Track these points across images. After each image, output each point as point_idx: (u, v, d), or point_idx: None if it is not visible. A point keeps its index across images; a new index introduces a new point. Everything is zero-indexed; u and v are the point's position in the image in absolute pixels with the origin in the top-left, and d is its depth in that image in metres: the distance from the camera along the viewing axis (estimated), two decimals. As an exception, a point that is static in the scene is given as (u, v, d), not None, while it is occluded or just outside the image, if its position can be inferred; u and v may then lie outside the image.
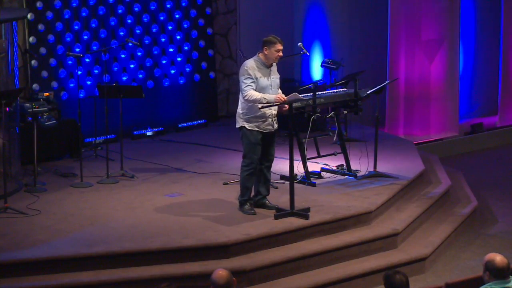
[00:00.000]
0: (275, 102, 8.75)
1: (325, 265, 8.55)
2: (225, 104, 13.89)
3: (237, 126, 8.95)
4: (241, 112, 8.86)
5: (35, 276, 7.84)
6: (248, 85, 8.70)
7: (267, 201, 9.14)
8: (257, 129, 8.82)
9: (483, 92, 15.21)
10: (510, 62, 14.85)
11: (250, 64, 8.79)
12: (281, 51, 8.82)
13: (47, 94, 11.27)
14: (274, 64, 8.93)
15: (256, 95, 8.70)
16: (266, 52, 8.80)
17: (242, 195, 9.06)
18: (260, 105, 8.75)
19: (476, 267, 8.86)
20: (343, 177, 10.28)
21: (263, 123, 8.84)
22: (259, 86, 8.77)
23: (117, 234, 8.45)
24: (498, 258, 6.06)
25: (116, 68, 12.50)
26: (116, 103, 10.54)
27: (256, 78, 8.74)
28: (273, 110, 8.86)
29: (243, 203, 9.04)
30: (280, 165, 10.55)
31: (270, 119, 8.86)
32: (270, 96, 8.76)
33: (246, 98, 8.71)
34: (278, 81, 8.98)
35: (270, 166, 9.12)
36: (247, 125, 8.83)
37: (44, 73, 11.84)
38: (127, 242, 8.23)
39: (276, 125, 8.93)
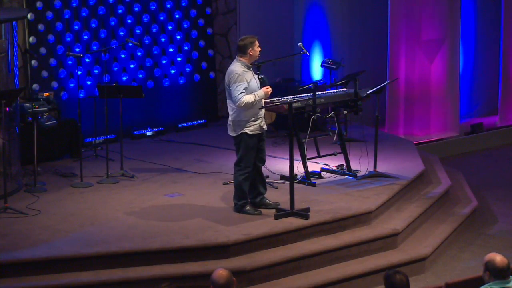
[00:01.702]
0: (266, 96, 8.86)
1: (325, 265, 8.56)
2: (225, 104, 13.82)
3: (233, 134, 8.89)
4: (238, 119, 8.82)
5: (35, 276, 7.84)
6: (241, 92, 8.67)
7: (267, 200, 9.16)
8: (257, 132, 8.84)
9: (483, 92, 15.21)
10: (511, 62, 14.84)
11: (239, 69, 8.76)
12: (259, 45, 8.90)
13: (47, 94, 11.27)
14: None
15: (250, 98, 8.71)
16: (251, 53, 8.79)
17: (239, 199, 9.05)
18: (260, 106, 8.81)
19: (476, 267, 8.85)
20: (343, 177, 10.28)
21: (260, 123, 8.87)
22: (251, 89, 8.78)
23: (117, 234, 8.46)
24: (498, 258, 6.06)
25: (116, 68, 12.50)
26: (116, 103, 10.54)
27: (248, 82, 8.75)
28: (263, 109, 8.92)
29: (243, 206, 9.04)
30: (280, 165, 10.56)
31: (264, 118, 8.93)
32: (260, 92, 8.80)
33: (243, 105, 8.67)
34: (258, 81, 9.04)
35: (263, 165, 9.16)
36: (248, 131, 8.82)
37: (44, 73, 11.84)
38: (127, 242, 8.23)
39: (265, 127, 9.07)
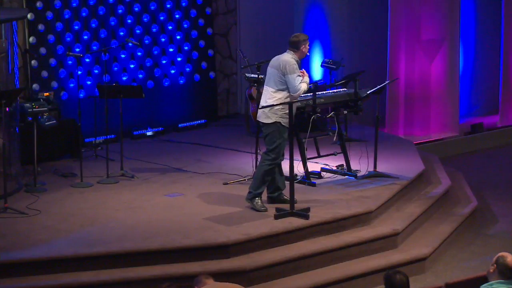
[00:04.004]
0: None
1: (325, 265, 8.56)
2: (225, 104, 13.89)
3: (267, 122, 8.93)
4: (276, 108, 8.86)
5: (35, 276, 7.84)
6: (301, 82, 8.90)
7: (285, 196, 9.21)
8: (287, 126, 8.89)
9: (483, 92, 15.21)
10: (511, 61, 14.84)
11: (294, 61, 8.93)
12: None
13: (47, 94, 11.27)
14: None
15: (304, 86, 8.97)
16: (303, 50, 9.03)
17: (256, 188, 9.04)
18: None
19: (476, 267, 8.87)
20: (343, 177, 10.28)
21: (287, 119, 8.91)
22: None
23: (117, 234, 8.46)
24: (510, 258, 6.09)
25: (116, 68, 12.50)
26: (116, 103, 10.54)
27: None
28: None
29: (256, 195, 9.04)
30: (280, 165, 10.56)
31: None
32: (307, 79, 9.06)
33: (301, 93, 8.93)
34: None
35: (283, 160, 9.18)
36: (282, 121, 8.89)
37: (44, 73, 11.84)
38: (127, 242, 8.23)
39: None
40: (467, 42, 14.84)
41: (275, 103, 8.84)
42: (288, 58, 8.94)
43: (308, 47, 9.07)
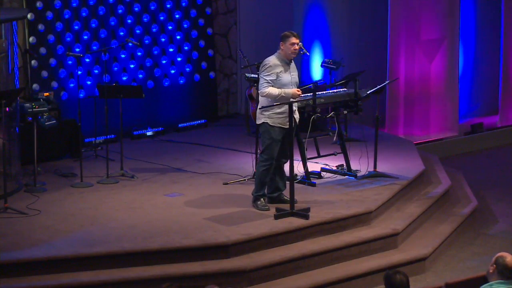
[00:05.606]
0: (294, 97, 8.88)
1: (325, 265, 8.56)
2: (225, 104, 13.88)
3: (258, 122, 9.02)
4: (261, 109, 8.90)
5: (35, 276, 7.84)
6: (267, 82, 8.81)
7: (285, 196, 9.21)
8: (279, 125, 8.86)
9: (483, 92, 15.20)
10: (511, 61, 14.84)
11: (272, 61, 8.88)
12: (296, 45, 8.92)
13: (47, 94, 11.27)
14: (293, 61, 9.06)
15: (274, 91, 8.81)
16: (282, 47, 8.93)
17: (257, 190, 9.11)
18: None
19: (476, 267, 8.87)
20: (343, 177, 10.28)
21: (284, 119, 8.87)
22: (281, 83, 8.88)
23: (117, 234, 8.46)
24: (510, 258, 6.09)
25: (116, 68, 12.50)
26: (116, 103, 10.55)
27: (277, 75, 8.84)
28: (295, 106, 8.94)
29: (258, 198, 9.07)
30: (280, 165, 10.55)
31: (294, 117, 8.92)
32: (288, 91, 8.87)
33: (264, 95, 8.82)
34: (297, 78, 9.11)
35: (286, 162, 9.15)
36: (269, 121, 8.89)
37: (44, 73, 11.84)
38: (127, 242, 8.23)
39: (297, 120, 9.07)
40: (467, 42, 14.83)
41: (264, 105, 8.84)
42: (268, 58, 8.96)
43: (290, 46, 8.85)
